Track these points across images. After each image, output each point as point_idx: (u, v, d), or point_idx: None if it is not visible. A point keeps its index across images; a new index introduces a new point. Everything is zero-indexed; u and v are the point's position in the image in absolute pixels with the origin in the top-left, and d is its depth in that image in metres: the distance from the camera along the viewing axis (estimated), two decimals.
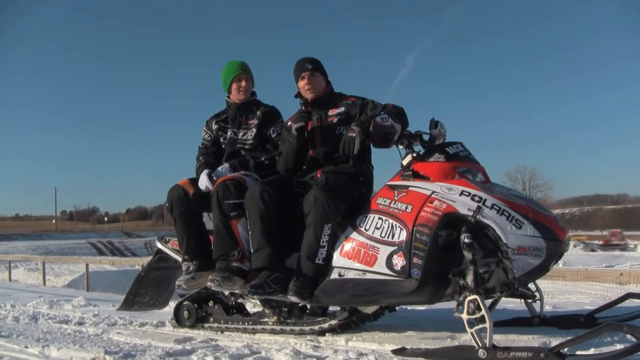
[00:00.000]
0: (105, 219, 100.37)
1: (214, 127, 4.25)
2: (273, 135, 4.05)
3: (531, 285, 3.53)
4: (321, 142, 3.70)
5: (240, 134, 4.14)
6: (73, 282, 16.79)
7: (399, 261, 3.05)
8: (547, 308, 4.49)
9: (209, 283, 3.59)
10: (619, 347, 2.82)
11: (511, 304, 4.73)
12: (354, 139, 3.30)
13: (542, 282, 3.60)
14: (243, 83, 4.13)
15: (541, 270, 2.93)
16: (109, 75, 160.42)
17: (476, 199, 2.98)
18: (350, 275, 3.24)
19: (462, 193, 3.03)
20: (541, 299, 3.61)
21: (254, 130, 4.10)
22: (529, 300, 3.61)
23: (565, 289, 10.03)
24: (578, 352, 2.73)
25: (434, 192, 3.09)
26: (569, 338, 2.79)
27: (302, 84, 3.78)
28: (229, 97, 4.22)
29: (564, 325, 3.49)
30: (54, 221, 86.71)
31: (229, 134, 4.18)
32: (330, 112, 3.74)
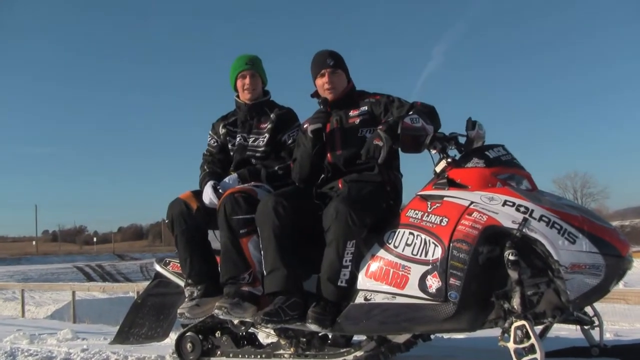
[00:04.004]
0: (94, 239, 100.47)
1: (221, 131, 4.28)
2: (288, 142, 4.08)
3: (588, 309, 3.51)
4: (342, 146, 3.72)
5: (251, 140, 4.16)
6: (57, 313, 16.93)
7: (433, 282, 3.06)
8: (608, 336, 4.47)
9: (216, 311, 3.59)
10: None
11: (565, 330, 4.71)
12: (380, 148, 3.32)
13: (600, 306, 3.57)
14: (247, 80, 4.15)
15: (600, 291, 2.92)
16: (97, 74, 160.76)
17: (522, 209, 2.99)
18: (378, 299, 3.25)
19: (505, 203, 3.04)
20: (600, 325, 3.57)
21: (267, 135, 4.12)
22: (586, 327, 3.58)
23: (628, 313, 9.91)
24: None
25: (472, 202, 3.10)
26: None
27: (322, 82, 3.81)
28: (238, 96, 4.26)
29: (628, 356, 3.46)
30: (34, 243, 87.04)
31: (238, 139, 4.20)
32: (352, 113, 3.77)
